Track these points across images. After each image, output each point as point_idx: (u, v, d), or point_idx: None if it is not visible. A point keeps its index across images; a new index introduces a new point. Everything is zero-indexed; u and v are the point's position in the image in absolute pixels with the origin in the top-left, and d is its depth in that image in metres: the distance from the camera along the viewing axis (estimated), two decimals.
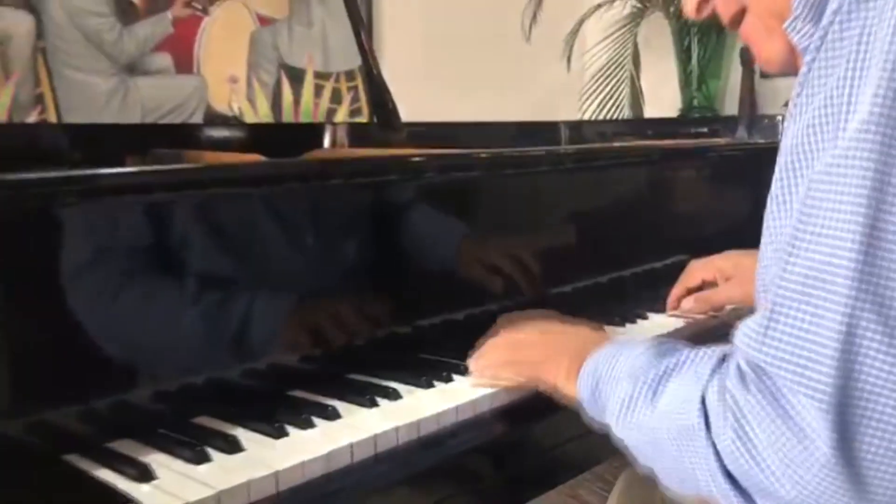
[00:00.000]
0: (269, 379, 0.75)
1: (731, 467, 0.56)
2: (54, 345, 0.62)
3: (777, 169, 0.60)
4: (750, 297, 0.70)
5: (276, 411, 0.71)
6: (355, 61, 3.31)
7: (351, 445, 0.65)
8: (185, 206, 0.69)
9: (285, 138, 1.66)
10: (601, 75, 2.99)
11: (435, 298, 0.91)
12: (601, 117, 2.99)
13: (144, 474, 0.59)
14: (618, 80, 2.94)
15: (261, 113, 3.16)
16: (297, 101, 3.22)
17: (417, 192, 0.88)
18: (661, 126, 1.63)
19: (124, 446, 0.64)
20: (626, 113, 2.97)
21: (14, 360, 0.60)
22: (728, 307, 1.05)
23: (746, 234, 0.74)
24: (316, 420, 0.69)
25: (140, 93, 2.88)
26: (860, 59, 0.52)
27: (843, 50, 0.54)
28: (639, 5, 2.99)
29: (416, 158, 0.89)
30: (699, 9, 0.75)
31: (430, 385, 0.78)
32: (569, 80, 3.26)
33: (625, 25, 2.98)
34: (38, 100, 2.54)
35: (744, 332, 0.57)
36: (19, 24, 2.73)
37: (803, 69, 0.61)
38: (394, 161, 0.88)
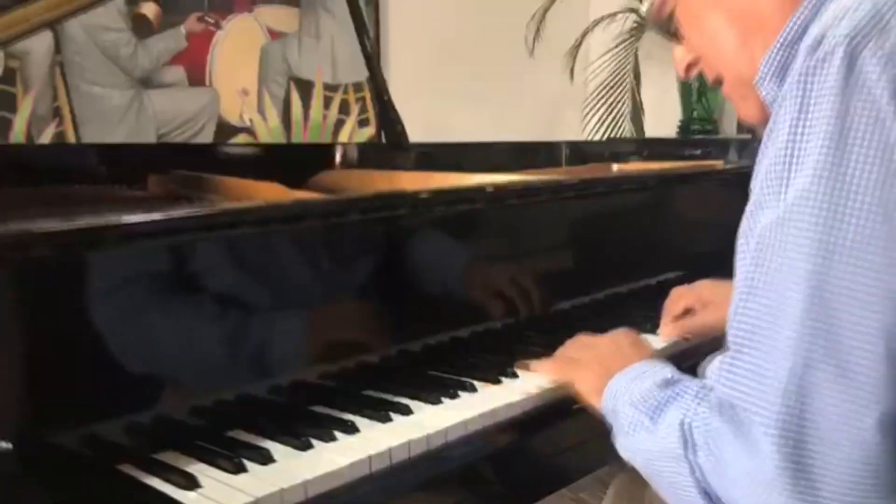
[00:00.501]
0: (293, 395, 0.84)
1: (706, 486, 0.64)
2: (107, 367, 0.71)
3: (745, 214, 0.68)
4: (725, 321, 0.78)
5: (301, 425, 0.79)
6: (363, 73, 3.39)
7: (369, 458, 0.73)
8: (217, 243, 0.78)
9: (299, 158, 1.75)
10: (603, 88, 3.07)
11: (443, 317, 0.99)
12: (603, 130, 3.06)
13: (191, 483, 0.67)
14: (619, 94, 3.02)
15: (271, 124, 3.25)
16: (306, 113, 3.30)
17: (427, 222, 0.97)
18: (659, 146, 1.71)
19: (170, 457, 0.73)
20: (626, 125, 3.04)
21: (73, 380, 0.68)
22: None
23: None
24: (337, 434, 0.78)
25: (154, 105, 2.97)
26: (803, 133, 0.61)
27: (792, 121, 0.62)
28: (640, 20, 3.07)
29: (425, 195, 0.98)
30: (687, 73, 0.84)
31: (438, 401, 0.86)
32: (573, 91, 3.34)
33: (626, 40, 3.06)
34: (56, 113, 2.62)
35: (715, 367, 0.65)
36: (38, 39, 2.82)
37: (771, 118, 0.70)
38: (404, 197, 0.96)
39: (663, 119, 3.05)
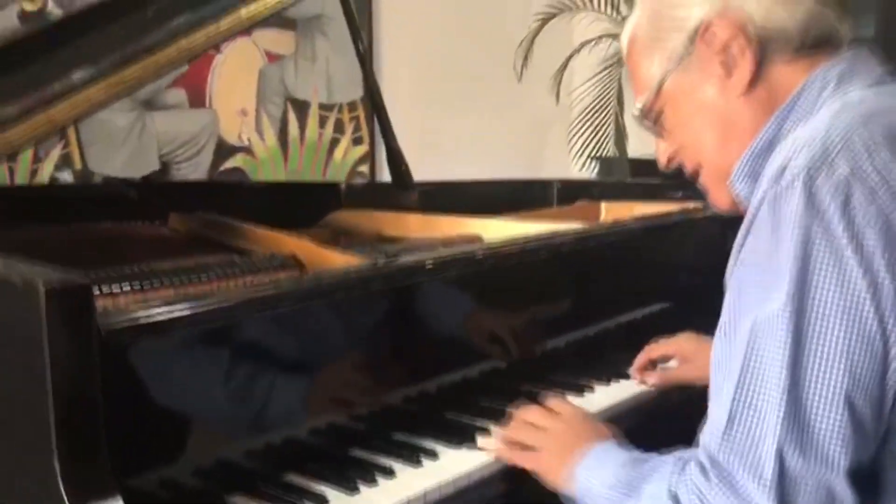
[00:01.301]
0: (338, 441, 0.97)
1: None
2: (189, 424, 0.84)
3: (724, 304, 0.82)
4: (703, 378, 0.91)
5: (346, 470, 0.92)
6: (357, 92, 3.52)
7: (408, 499, 0.87)
8: (262, 320, 0.91)
9: (309, 197, 1.87)
10: (588, 112, 3.21)
11: (453, 360, 1.14)
12: (587, 153, 3.20)
13: None
14: (603, 117, 3.16)
15: (268, 143, 3.36)
16: (302, 132, 3.42)
17: (442, 282, 1.11)
18: (645, 189, 1.86)
19: (241, 500, 0.86)
20: (611, 148, 3.18)
21: (159, 435, 0.82)
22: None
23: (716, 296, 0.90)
24: (378, 478, 0.91)
25: (156, 126, 3.06)
26: (774, 252, 0.75)
27: (765, 240, 0.76)
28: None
29: (430, 265, 1.11)
30: (668, 164, 0.98)
31: (459, 445, 1.01)
32: (558, 112, 3.49)
33: (611, 65, 3.20)
34: (62, 135, 2.71)
35: (708, 433, 0.79)
36: None
37: (748, 217, 0.84)
38: (410, 269, 1.09)
39: (647, 143, 3.19)
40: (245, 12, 1.26)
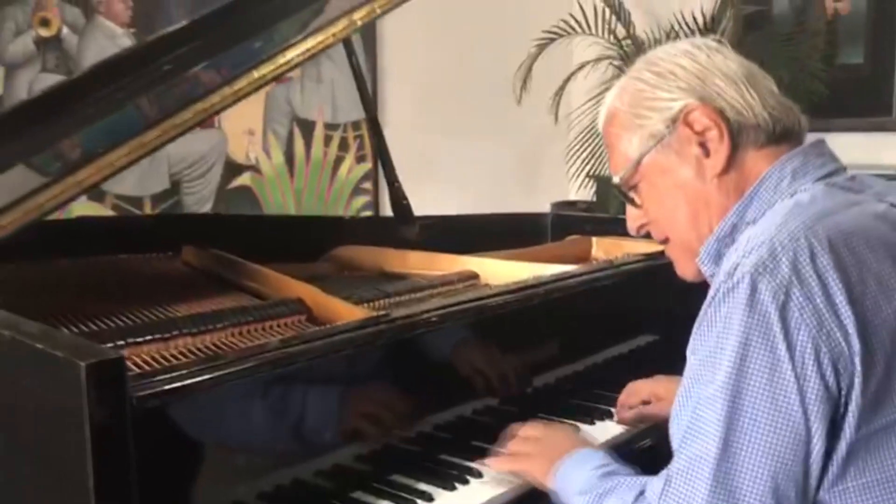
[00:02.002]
0: (380, 465, 1.09)
1: None
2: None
3: (685, 374, 0.91)
4: None
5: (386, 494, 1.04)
6: (361, 113, 3.60)
7: None
8: (276, 376, 1.01)
9: (312, 232, 1.96)
10: (586, 133, 3.29)
11: (447, 398, 1.24)
12: (585, 173, 3.29)
13: None
14: (600, 141, 3.25)
15: (275, 162, 3.46)
16: (307, 151, 3.52)
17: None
18: None
19: None
20: (608, 168, 3.26)
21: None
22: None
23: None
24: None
25: (167, 147, 3.14)
26: (722, 338, 0.85)
27: (716, 326, 0.86)
28: (620, 72, 3.29)
29: (435, 317, 1.21)
30: (638, 230, 1.08)
31: (453, 487, 1.10)
32: (555, 131, 3.58)
33: (608, 87, 3.27)
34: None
35: (650, 489, 0.89)
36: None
37: (706, 301, 0.92)
38: (413, 324, 1.19)
39: None
40: (256, 74, 1.34)
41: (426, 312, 1.21)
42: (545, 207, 3.23)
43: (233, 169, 3.31)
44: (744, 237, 0.90)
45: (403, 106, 3.51)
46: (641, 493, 0.91)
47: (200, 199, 3.29)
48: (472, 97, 3.59)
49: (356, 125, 3.60)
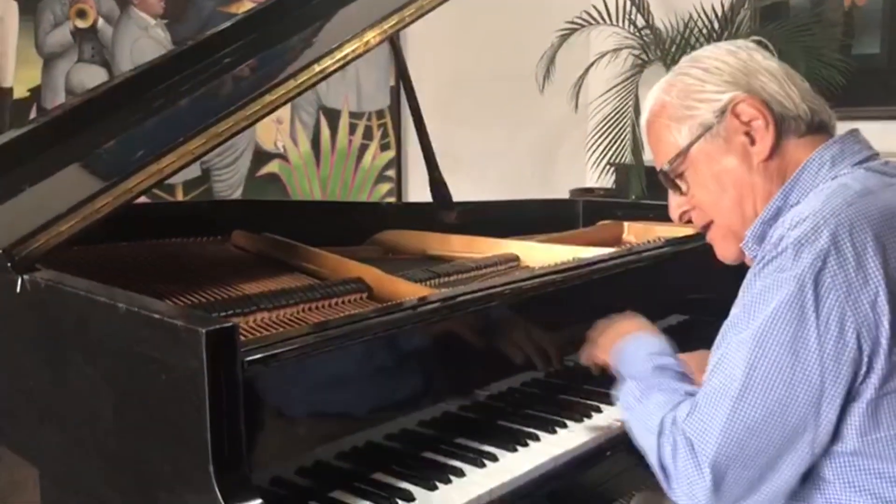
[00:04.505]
0: (412, 443, 1.18)
1: (663, 462, 0.99)
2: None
3: (724, 323, 1.01)
4: None
5: (422, 469, 1.12)
6: (385, 101, 3.71)
7: (478, 496, 1.06)
8: (359, 345, 1.10)
9: (356, 217, 2.05)
10: (606, 122, 3.37)
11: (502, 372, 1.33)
12: (604, 163, 3.36)
13: None
14: (620, 129, 3.32)
15: (302, 149, 3.54)
16: (333, 139, 3.60)
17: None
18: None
19: (341, 496, 1.05)
20: (627, 156, 3.34)
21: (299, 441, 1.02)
22: None
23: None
24: (451, 477, 1.10)
25: None
26: (760, 295, 0.95)
27: (756, 285, 0.96)
28: (639, 60, 3.36)
29: (508, 290, 1.31)
30: (680, 217, 1.17)
31: (514, 449, 1.20)
32: (574, 121, 3.65)
33: (627, 78, 3.35)
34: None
35: (680, 410, 1.00)
36: (94, 76, 3.10)
37: (752, 268, 1.02)
38: (493, 294, 1.30)
39: None
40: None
41: (501, 286, 1.32)
42: (563, 195, 3.32)
43: (261, 157, 3.40)
44: (788, 216, 1.00)
45: (425, 96, 3.57)
46: (675, 406, 1.02)
47: (230, 186, 3.38)
48: (491, 87, 3.66)
49: (380, 114, 3.68)
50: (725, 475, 0.95)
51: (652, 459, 1.02)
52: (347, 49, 1.44)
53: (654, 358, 1.12)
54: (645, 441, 1.04)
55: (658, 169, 1.16)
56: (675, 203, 1.18)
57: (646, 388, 1.08)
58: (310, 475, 1.05)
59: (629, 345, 1.16)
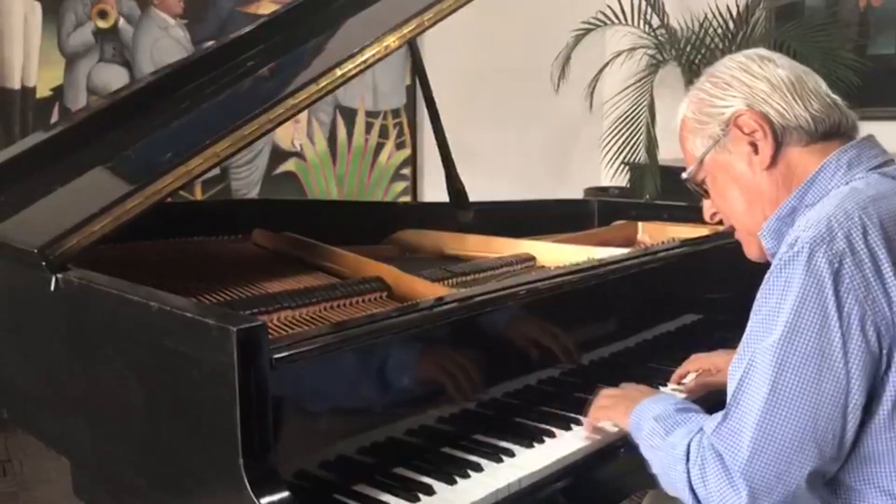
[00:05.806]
0: (432, 439, 1.21)
1: (693, 488, 1.01)
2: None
3: (746, 332, 1.04)
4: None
5: (442, 464, 1.16)
6: (400, 101, 3.74)
7: (496, 491, 1.10)
8: (379, 344, 1.14)
9: (374, 217, 2.08)
10: (621, 121, 3.39)
11: (516, 368, 1.36)
12: (619, 160, 3.39)
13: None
14: (635, 128, 3.34)
15: (318, 148, 3.58)
16: (349, 137, 3.64)
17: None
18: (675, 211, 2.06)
19: (363, 489, 1.09)
20: (642, 155, 3.36)
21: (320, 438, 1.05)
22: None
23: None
24: (470, 472, 1.14)
25: None
26: (781, 299, 0.97)
27: (776, 289, 0.98)
28: (654, 60, 3.38)
29: (523, 291, 1.34)
30: (711, 218, 1.20)
31: (531, 445, 1.23)
32: (587, 118, 3.67)
33: (642, 78, 3.37)
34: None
35: (708, 423, 1.02)
36: (115, 76, 3.16)
37: (770, 270, 1.05)
38: (515, 293, 1.33)
39: (677, 150, 3.38)
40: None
41: (517, 286, 1.35)
42: (578, 193, 3.34)
43: (278, 155, 3.44)
44: (803, 218, 1.02)
45: (441, 95, 3.59)
46: (701, 428, 1.05)
47: (248, 184, 3.42)
48: (506, 86, 3.68)
49: (396, 113, 3.72)
50: (759, 485, 0.97)
51: (682, 491, 1.04)
52: (368, 53, 1.46)
53: (677, 403, 1.16)
54: (673, 473, 1.05)
55: (682, 177, 1.21)
56: (706, 205, 1.23)
57: (670, 425, 1.10)
58: (333, 469, 1.09)
59: (646, 401, 1.18)
